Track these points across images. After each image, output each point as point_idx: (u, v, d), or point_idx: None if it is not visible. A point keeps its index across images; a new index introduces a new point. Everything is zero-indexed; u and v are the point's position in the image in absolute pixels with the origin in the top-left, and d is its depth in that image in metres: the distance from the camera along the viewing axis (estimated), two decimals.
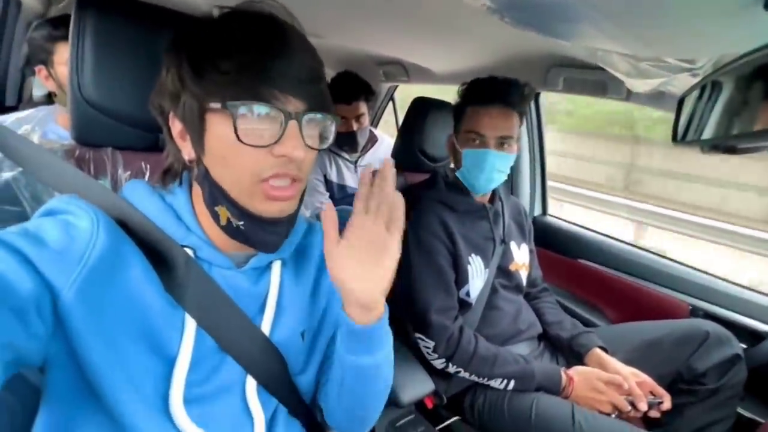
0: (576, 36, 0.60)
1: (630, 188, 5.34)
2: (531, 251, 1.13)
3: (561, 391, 0.86)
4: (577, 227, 1.47)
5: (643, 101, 1.00)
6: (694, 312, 1.08)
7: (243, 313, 0.47)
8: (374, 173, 0.46)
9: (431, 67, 1.48)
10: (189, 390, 0.42)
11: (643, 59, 0.62)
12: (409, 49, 1.34)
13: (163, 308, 0.42)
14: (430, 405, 0.95)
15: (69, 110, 0.58)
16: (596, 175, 5.56)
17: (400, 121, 1.53)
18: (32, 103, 1.33)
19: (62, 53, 1.01)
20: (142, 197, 0.46)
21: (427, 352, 0.91)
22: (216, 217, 0.45)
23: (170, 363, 0.42)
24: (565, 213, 4.09)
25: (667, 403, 0.82)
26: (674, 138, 0.52)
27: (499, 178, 0.96)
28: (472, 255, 0.97)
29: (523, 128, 1.48)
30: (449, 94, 1.14)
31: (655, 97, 0.95)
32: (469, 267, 0.96)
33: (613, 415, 0.82)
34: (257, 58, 0.39)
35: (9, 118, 0.96)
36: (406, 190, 1.11)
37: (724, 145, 0.41)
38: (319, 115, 0.43)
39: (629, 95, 1.01)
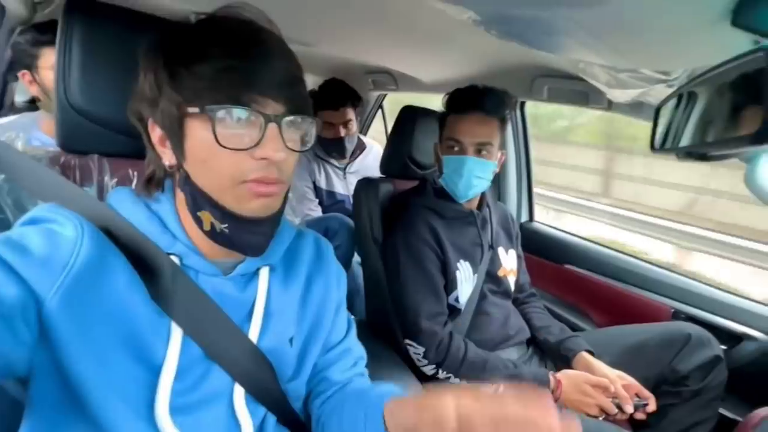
0: (558, 48, 0.62)
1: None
2: (519, 257, 1.15)
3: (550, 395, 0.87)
4: (563, 233, 1.50)
5: (623, 111, 1.04)
6: (676, 315, 1.11)
7: (230, 320, 0.46)
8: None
9: (419, 76, 1.50)
10: (175, 399, 0.42)
11: (621, 70, 0.65)
12: (397, 58, 1.36)
13: (148, 316, 0.41)
14: None
15: (55, 116, 0.58)
16: None
17: (389, 129, 1.56)
18: (14, 109, 1.31)
19: (48, 58, 1.00)
20: (127, 205, 0.45)
21: (417, 359, 0.91)
22: (199, 222, 0.44)
23: (156, 371, 0.41)
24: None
25: (652, 405, 0.84)
26: (652, 146, 0.55)
27: (479, 184, 0.97)
28: (461, 261, 0.98)
29: (510, 137, 1.51)
30: (431, 101, 1.16)
31: (635, 107, 0.98)
32: (457, 273, 0.97)
33: (601, 418, 0.83)
34: (235, 62, 0.39)
35: None
36: (395, 197, 1.13)
37: (697, 152, 0.43)
38: (299, 118, 0.43)
39: (610, 105, 1.04)
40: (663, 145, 0.52)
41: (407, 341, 0.93)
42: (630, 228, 3.92)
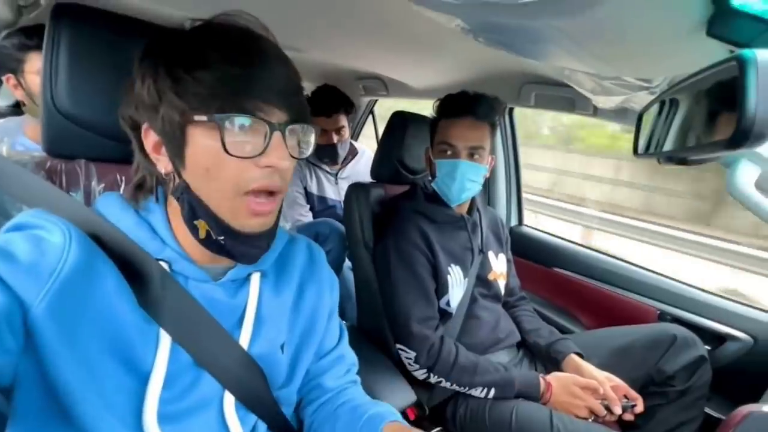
0: (544, 56, 0.64)
1: None
2: (508, 261, 1.16)
3: (540, 398, 0.87)
4: (552, 237, 1.52)
5: (609, 117, 1.07)
6: (662, 316, 1.14)
7: (220, 326, 0.46)
8: None
9: (410, 82, 1.52)
10: (164, 407, 0.41)
11: (605, 78, 0.67)
12: (388, 64, 1.37)
13: (136, 323, 0.41)
14: (412, 416, 0.95)
15: (41, 121, 0.57)
16: None
17: (380, 135, 1.57)
18: None
19: (34, 63, 0.99)
20: (115, 210, 0.45)
21: (409, 363, 0.91)
22: (195, 230, 0.44)
23: (144, 379, 0.41)
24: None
25: (640, 406, 0.85)
26: (635, 151, 0.56)
27: (472, 187, 0.98)
28: (452, 265, 0.99)
29: (499, 142, 1.53)
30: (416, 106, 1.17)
31: (620, 113, 1.01)
32: (448, 277, 0.98)
33: (590, 419, 0.84)
34: (239, 69, 0.39)
35: None
36: (386, 202, 1.13)
37: (677, 157, 0.45)
38: (300, 126, 0.44)
39: (596, 111, 1.07)
40: (647, 150, 0.54)
41: (399, 346, 0.93)
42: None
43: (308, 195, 1.63)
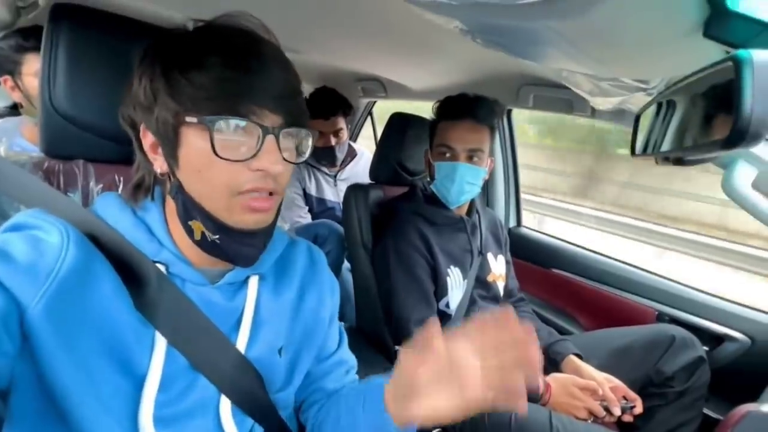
0: (542, 57, 0.64)
1: None
2: (507, 262, 1.16)
3: (539, 399, 0.87)
4: (550, 238, 1.52)
5: (606, 118, 1.07)
6: (660, 317, 1.14)
7: (217, 330, 0.46)
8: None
9: (408, 83, 1.52)
10: (159, 410, 0.41)
11: (603, 79, 0.67)
12: (386, 66, 1.37)
13: (133, 325, 0.41)
14: None
15: (39, 122, 0.57)
16: None
17: (378, 136, 1.57)
18: None
19: (31, 64, 0.99)
20: (113, 211, 0.45)
21: None
22: (190, 232, 0.44)
23: (140, 382, 0.40)
24: None
25: (639, 407, 0.85)
26: (633, 152, 0.56)
27: (471, 190, 0.99)
28: (451, 267, 0.99)
29: (497, 143, 1.54)
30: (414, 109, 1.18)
31: (617, 114, 1.02)
32: (448, 279, 0.98)
33: (589, 420, 0.84)
34: (234, 72, 0.39)
35: None
36: (384, 203, 1.13)
37: (674, 157, 0.45)
38: (296, 130, 0.44)
39: (594, 112, 1.07)
40: (644, 151, 0.54)
41: (397, 348, 0.93)
42: None
43: (307, 197, 1.63)
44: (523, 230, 1.61)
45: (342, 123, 1.56)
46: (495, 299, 1.08)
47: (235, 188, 0.41)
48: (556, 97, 1.11)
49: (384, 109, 2.10)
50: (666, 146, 0.48)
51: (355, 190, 1.13)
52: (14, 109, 1.21)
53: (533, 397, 0.87)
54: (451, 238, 1.02)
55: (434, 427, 0.95)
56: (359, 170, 1.69)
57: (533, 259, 1.47)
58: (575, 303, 1.35)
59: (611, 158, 6.27)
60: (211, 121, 0.38)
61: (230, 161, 0.40)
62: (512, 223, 1.63)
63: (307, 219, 1.59)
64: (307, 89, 1.74)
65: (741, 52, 0.31)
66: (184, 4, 0.95)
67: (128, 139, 0.46)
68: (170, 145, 0.41)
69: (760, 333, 1.00)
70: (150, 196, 0.47)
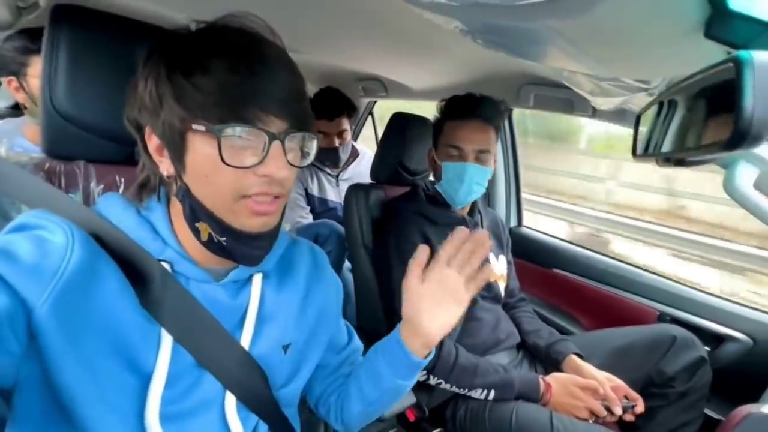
0: (542, 57, 0.64)
1: None
2: (509, 262, 1.16)
3: (540, 399, 0.87)
4: (551, 238, 1.52)
5: (607, 118, 1.07)
6: (662, 317, 1.14)
7: (221, 327, 0.46)
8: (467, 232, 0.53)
9: (409, 83, 1.52)
10: (165, 407, 0.41)
11: (604, 79, 0.67)
12: (387, 66, 1.37)
13: (139, 323, 0.41)
14: (412, 418, 0.95)
15: (40, 122, 0.57)
16: None
17: (379, 136, 1.57)
18: None
19: (38, 66, 0.99)
20: (117, 211, 0.45)
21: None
22: (197, 233, 0.44)
23: (146, 380, 0.41)
24: None
25: (640, 407, 0.85)
26: (634, 153, 0.56)
27: (478, 190, 0.99)
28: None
29: (498, 143, 1.54)
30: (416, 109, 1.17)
31: (619, 114, 1.01)
32: None
33: (590, 420, 0.84)
34: (239, 77, 0.39)
35: None
36: (386, 203, 1.13)
37: (675, 158, 0.45)
38: (301, 135, 0.44)
39: (595, 112, 1.07)
40: (645, 151, 0.54)
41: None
42: None
43: (309, 197, 1.63)
44: (525, 230, 1.61)
45: (346, 124, 1.56)
46: (496, 299, 1.08)
47: (240, 192, 0.41)
48: (557, 96, 1.11)
49: (385, 108, 2.10)
50: (667, 147, 0.48)
51: (356, 190, 1.13)
52: (15, 110, 1.21)
53: (534, 398, 0.87)
54: None
55: (434, 429, 0.95)
56: (361, 170, 1.69)
57: (534, 259, 1.47)
58: (576, 303, 1.35)
59: None
60: (219, 130, 0.38)
61: (237, 168, 0.40)
62: (513, 223, 1.63)
63: (308, 219, 1.59)
64: (308, 89, 1.74)
65: (742, 53, 0.31)
66: (185, 5, 0.95)
67: (129, 139, 0.46)
68: (177, 150, 0.41)
69: (762, 333, 0.99)
70: (156, 197, 0.47)
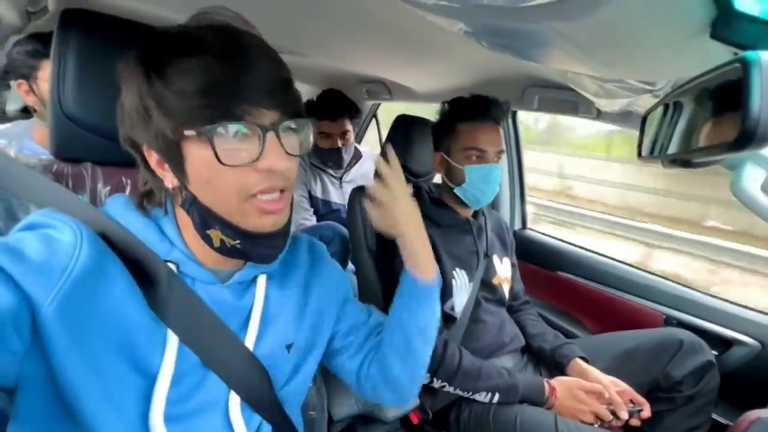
0: (547, 59, 0.64)
1: None
2: (513, 265, 1.16)
3: (545, 402, 0.87)
4: (555, 240, 1.51)
5: (612, 120, 1.06)
6: (668, 321, 1.12)
7: (227, 327, 0.46)
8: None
9: (413, 86, 1.52)
10: (170, 407, 0.41)
11: (609, 81, 0.67)
12: (391, 68, 1.38)
13: (145, 324, 0.41)
14: (415, 420, 0.94)
15: (49, 125, 0.58)
16: None
17: (383, 138, 1.57)
18: (6, 118, 1.30)
19: (47, 70, 1.00)
20: (124, 212, 0.45)
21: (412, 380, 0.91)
22: (208, 240, 0.44)
23: (151, 379, 0.41)
24: None
25: (646, 411, 0.84)
26: (639, 154, 0.56)
27: (497, 190, 1.01)
28: (457, 269, 0.99)
29: None
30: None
31: (623, 116, 1.01)
32: (453, 281, 0.97)
33: (596, 425, 0.83)
34: (221, 75, 0.38)
35: None
36: None
37: (681, 159, 0.45)
38: (295, 122, 0.43)
39: (599, 114, 1.06)
40: (651, 153, 0.54)
41: None
42: None
43: (312, 199, 1.64)
44: (529, 233, 1.60)
45: (349, 125, 1.57)
46: (500, 302, 1.07)
47: (245, 192, 0.41)
48: (561, 98, 1.11)
49: (388, 110, 2.11)
50: (673, 148, 0.47)
51: (359, 192, 1.13)
52: (25, 112, 1.23)
53: (538, 401, 0.87)
54: (456, 241, 1.02)
55: (438, 431, 0.95)
56: (365, 172, 1.69)
57: (539, 261, 1.46)
58: (581, 306, 1.34)
59: None
60: (209, 131, 0.38)
61: (236, 166, 0.39)
62: (518, 226, 1.62)
63: (312, 221, 1.59)
64: (312, 92, 1.75)
65: (749, 54, 0.30)
66: (192, 10, 0.96)
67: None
68: (175, 161, 0.41)
69: None
70: (163, 210, 0.46)
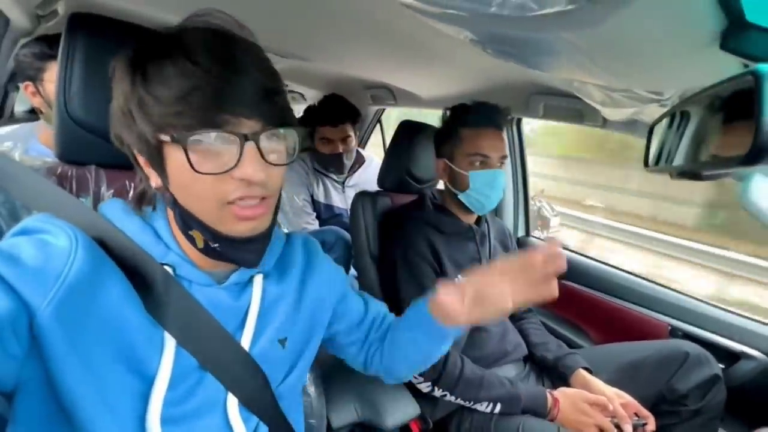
0: (553, 68, 0.64)
1: None
2: None
3: (547, 414, 0.85)
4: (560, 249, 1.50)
5: (618, 128, 1.05)
6: (673, 332, 1.11)
7: (223, 329, 0.46)
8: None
9: (417, 92, 1.52)
10: (167, 409, 0.41)
11: (615, 90, 0.66)
12: (396, 74, 1.38)
13: (142, 327, 0.41)
14: (416, 430, 0.93)
15: (54, 127, 0.58)
16: None
17: (387, 143, 1.57)
18: (13, 119, 1.31)
19: (54, 72, 1.01)
20: (120, 215, 0.45)
21: (413, 376, 0.90)
22: (192, 240, 0.44)
23: (149, 382, 0.41)
24: None
25: (651, 425, 0.82)
26: (646, 164, 0.55)
27: (502, 195, 1.01)
28: (459, 276, 0.98)
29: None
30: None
31: (630, 125, 1.00)
32: None
33: None
34: (200, 83, 0.37)
35: None
36: (392, 211, 1.13)
37: (690, 171, 0.44)
38: (278, 131, 0.42)
39: (605, 122, 1.06)
40: (657, 163, 0.53)
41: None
42: None
43: (315, 203, 1.64)
44: (532, 240, 1.59)
45: (350, 130, 1.57)
46: None
47: (222, 199, 0.40)
48: (567, 106, 1.10)
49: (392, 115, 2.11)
50: (679, 160, 0.47)
51: (362, 197, 1.13)
52: (32, 114, 1.24)
53: (541, 413, 0.85)
54: (459, 247, 1.01)
55: None
56: (367, 177, 1.69)
57: None
58: (585, 316, 1.32)
59: None
60: (183, 139, 0.37)
61: (211, 174, 0.39)
62: (521, 233, 1.61)
63: (314, 225, 1.59)
64: (316, 96, 1.76)
65: (762, 67, 0.30)
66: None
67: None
68: (156, 162, 0.41)
69: None
70: (152, 207, 0.47)
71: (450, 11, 0.45)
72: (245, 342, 0.48)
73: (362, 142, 2.19)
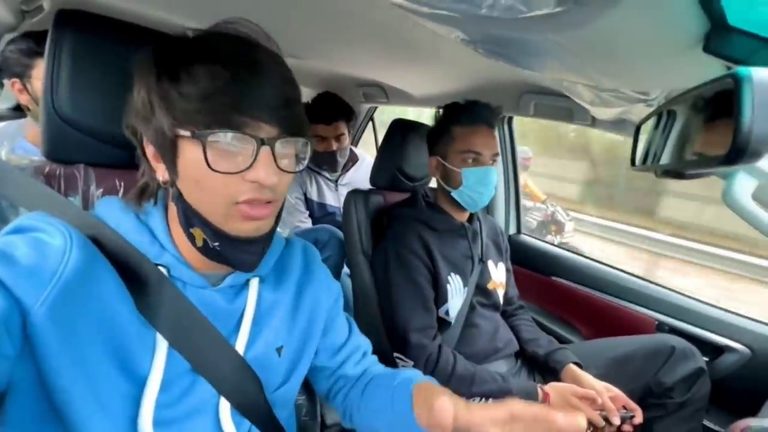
0: (543, 68, 0.64)
1: None
2: (508, 270, 1.16)
3: None
4: (550, 246, 1.52)
5: (607, 127, 1.07)
6: (660, 327, 1.13)
7: (217, 332, 0.46)
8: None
9: (410, 90, 1.53)
10: (159, 412, 0.41)
11: (603, 90, 0.67)
12: (388, 72, 1.38)
13: (135, 327, 0.41)
14: None
15: (41, 126, 0.57)
16: None
17: (379, 141, 1.57)
18: None
19: (42, 69, 0.99)
20: (115, 215, 0.45)
21: None
22: (192, 238, 0.44)
23: (140, 383, 0.41)
24: None
25: (638, 417, 0.84)
26: (633, 163, 0.56)
27: (494, 192, 1.02)
28: (452, 274, 0.99)
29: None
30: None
31: (618, 124, 1.02)
32: (448, 286, 0.98)
33: (589, 430, 0.83)
34: (226, 84, 0.38)
35: None
36: (385, 209, 1.13)
37: (674, 170, 0.45)
38: (292, 140, 0.43)
39: (594, 121, 1.08)
40: (644, 162, 0.54)
41: (396, 355, 0.92)
42: None
43: (308, 201, 1.63)
44: (523, 237, 1.61)
45: (343, 128, 1.57)
46: (495, 307, 1.07)
47: (231, 198, 0.41)
48: (557, 105, 1.12)
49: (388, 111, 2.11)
50: (666, 159, 0.48)
51: (355, 195, 1.13)
52: (17, 111, 1.21)
53: None
54: (452, 245, 1.02)
55: None
56: (360, 175, 1.69)
57: (533, 266, 1.47)
58: (575, 311, 1.34)
59: None
60: (203, 135, 0.38)
61: (225, 173, 0.39)
62: (512, 231, 1.63)
63: (307, 224, 1.59)
64: (308, 94, 1.75)
65: (741, 70, 0.31)
66: (188, 12, 0.95)
67: (129, 144, 0.46)
68: (169, 156, 0.42)
69: (761, 344, 0.99)
70: (153, 201, 0.47)
71: (441, 12, 0.46)
72: (240, 346, 0.47)
73: (354, 141, 2.18)
